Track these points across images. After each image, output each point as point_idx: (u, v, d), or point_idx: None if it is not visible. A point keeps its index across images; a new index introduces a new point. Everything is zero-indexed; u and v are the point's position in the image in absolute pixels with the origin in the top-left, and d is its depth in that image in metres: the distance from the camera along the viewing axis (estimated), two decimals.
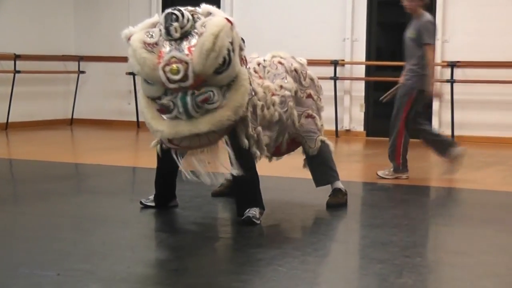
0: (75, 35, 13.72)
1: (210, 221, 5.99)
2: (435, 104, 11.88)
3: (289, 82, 6.20)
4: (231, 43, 5.17)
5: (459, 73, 11.62)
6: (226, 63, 5.12)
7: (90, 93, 13.78)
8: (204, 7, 5.34)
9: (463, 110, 11.65)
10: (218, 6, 13.10)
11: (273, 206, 6.28)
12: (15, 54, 12.38)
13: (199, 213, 6.05)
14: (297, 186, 7.55)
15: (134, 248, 5.05)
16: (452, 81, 11.55)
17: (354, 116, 12.43)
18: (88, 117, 13.76)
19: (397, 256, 4.78)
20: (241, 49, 5.38)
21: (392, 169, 8.01)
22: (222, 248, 5.24)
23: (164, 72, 5.03)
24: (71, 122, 13.71)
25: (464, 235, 5.53)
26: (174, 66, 5.01)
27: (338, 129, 12.28)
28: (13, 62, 12.38)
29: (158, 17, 5.39)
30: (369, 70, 12.47)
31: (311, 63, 12.23)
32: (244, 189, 5.68)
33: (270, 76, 6.14)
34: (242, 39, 5.44)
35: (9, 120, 12.43)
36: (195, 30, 5.13)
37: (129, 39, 5.29)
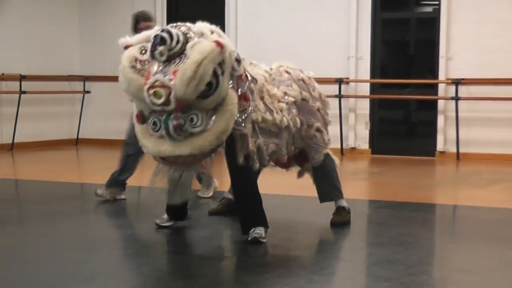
0: (80, 55, 13.75)
1: (216, 240, 5.97)
2: (440, 121, 11.89)
3: (295, 90, 6.20)
4: (221, 65, 5.11)
5: (463, 91, 11.61)
6: (213, 87, 5.09)
7: (95, 113, 13.79)
8: (199, 26, 5.28)
9: (468, 128, 11.64)
10: (222, 24, 13.23)
11: (279, 225, 6.27)
12: (20, 74, 12.41)
13: (205, 232, 6.04)
14: (303, 204, 7.53)
15: (139, 268, 5.04)
16: (456, 99, 11.54)
17: (359, 134, 12.42)
18: (93, 137, 13.77)
19: (403, 274, 4.76)
20: (233, 69, 5.32)
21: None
22: (227, 268, 5.22)
23: (148, 94, 5.04)
24: (77, 142, 13.72)
25: (470, 253, 5.51)
26: (157, 90, 5.00)
27: (343, 147, 12.27)
28: (18, 82, 12.41)
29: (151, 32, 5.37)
30: (373, 88, 12.46)
31: (316, 81, 12.32)
32: (247, 208, 5.67)
33: (276, 83, 6.13)
34: (237, 59, 5.38)
35: (15, 141, 12.45)
36: (185, 52, 5.09)
37: (126, 47, 5.32)
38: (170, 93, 4.99)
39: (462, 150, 11.64)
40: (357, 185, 9.32)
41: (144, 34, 5.40)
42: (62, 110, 13.69)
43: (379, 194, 8.65)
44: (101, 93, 13.77)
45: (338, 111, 12.11)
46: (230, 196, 6.60)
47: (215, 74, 5.06)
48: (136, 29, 7.14)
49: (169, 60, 5.10)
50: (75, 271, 4.84)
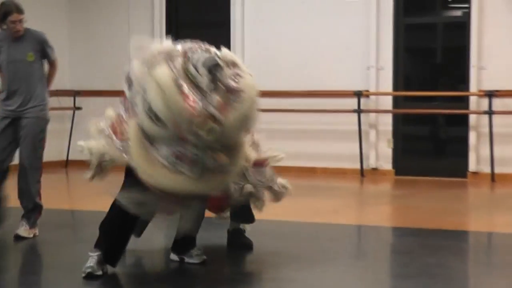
0: (69, 67, 13.77)
1: (218, 275, 5.96)
2: (472, 138, 11.86)
3: None
4: None
5: (498, 103, 11.60)
6: None
7: (87, 131, 13.79)
8: (226, 53, 5.22)
9: (504, 145, 11.62)
10: (228, 30, 13.27)
11: (294, 255, 6.26)
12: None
13: (208, 266, 6.01)
14: (318, 232, 7.52)
15: None
16: (490, 112, 11.53)
17: (381, 153, 12.40)
18: (85, 158, 13.76)
19: None
20: None
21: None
22: None
23: (198, 126, 4.90)
24: (66, 164, 13.74)
25: (509, 286, 5.47)
26: (214, 126, 4.91)
27: (364, 167, 12.25)
28: None
29: (172, 45, 5.25)
30: (396, 102, 12.46)
31: (332, 94, 12.42)
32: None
33: None
34: None
35: None
36: (221, 80, 5.04)
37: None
38: (219, 129, 4.94)
39: (497, 170, 11.61)
40: (379, 210, 9.31)
41: (160, 48, 5.21)
42: (50, 128, 13.53)
43: (404, 220, 8.63)
44: (94, 109, 13.76)
45: (357, 128, 12.11)
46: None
47: None
48: (6, 21, 7.01)
49: (213, 90, 5.03)
50: None
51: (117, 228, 5.67)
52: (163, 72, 4.96)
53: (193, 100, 4.89)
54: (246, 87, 5.05)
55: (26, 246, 6.78)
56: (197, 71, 5.02)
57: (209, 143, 4.95)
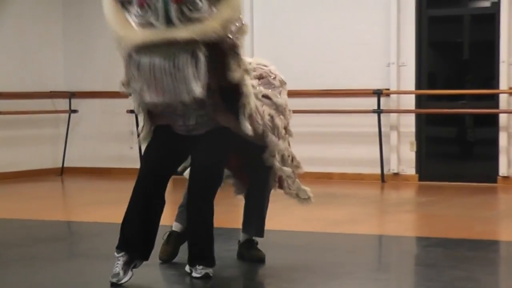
0: (64, 68, 13.83)
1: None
2: (503, 140, 11.85)
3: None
4: None
5: None
6: None
7: (84, 136, 13.86)
8: None
9: None
10: None
11: (309, 268, 6.28)
12: None
13: (217, 280, 6.03)
14: (336, 243, 7.52)
15: None
16: None
17: (404, 157, 12.42)
18: (81, 165, 13.83)
19: None
20: None
21: None
22: None
23: None
24: (62, 172, 13.77)
25: None
26: None
27: (385, 172, 12.27)
28: None
29: None
30: (420, 101, 12.47)
31: (350, 93, 12.45)
32: (201, 243, 5.84)
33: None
34: None
35: None
36: None
37: None
38: None
39: None
40: (402, 219, 9.31)
41: None
42: (44, 133, 13.76)
43: (429, 229, 8.63)
44: (90, 112, 13.84)
45: (377, 129, 12.13)
46: (178, 229, 6.52)
47: None
48: None
49: None
50: None
51: (139, 219, 5.78)
52: None
53: None
54: None
55: (18, 261, 6.80)
56: None
57: None
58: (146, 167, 5.88)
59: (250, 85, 5.79)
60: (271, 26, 12.89)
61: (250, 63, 6.20)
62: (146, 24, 5.21)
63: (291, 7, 12.85)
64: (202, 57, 5.33)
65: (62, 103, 13.80)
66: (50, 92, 13.66)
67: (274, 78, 6.50)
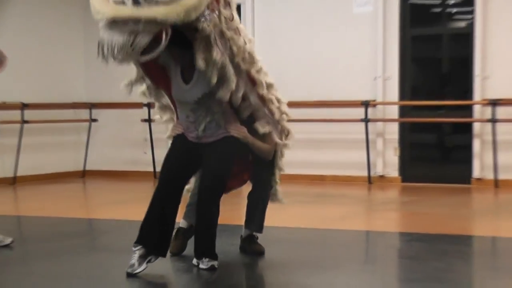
0: (86, 81, 13.83)
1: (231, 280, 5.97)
2: (476, 146, 11.85)
3: None
4: None
5: (501, 112, 11.59)
6: None
7: (103, 142, 13.85)
8: None
9: (507, 152, 11.60)
10: None
11: (304, 260, 6.27)
12: (22, 103, 12.49)
13: (222, 271, 6.02)
14: (329, 238, 7.52)
15: None
16: (494, 121, 11.52)
17: (388, 161, 12.41)
18: (101, 168, 13.82)
19: None
20: None
21: None
22: None
23: None
24: (83, 174, 13.77)
25: None
26: None
27: (371, 175, 12.26)
28: (20, 111, 12.49)
29: None
30: (403, 111, 12.46)
31: (341, 104, 12.44)
32: (207, 238, 5.87)
33: None
34: None
35: (17, 174, 12.52)
36: None
37: None
38: None
39: (501, 176, 11.60)
40: (387, 217, 9.30)
41: None
42: (67, 140, 13.76)
43: (411, 226, 8.62)
44: (109, 121, 13.84)
45: (364, 136, 12.12)
46: (185, 225, 6.54)
47: None
48: None
49: None
50: None
51: (157, 219, 5.79)
52: None
53: None
54: None
55: (44, 254, 6.80)
56: None
57: None
58: (165, 177, 5.91)
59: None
60: (271, 43, 12.87)
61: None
62: (120, 2, 5.14)
63: (290, 26, 12.83)
64: (163, 39, 5.24)
65: (84, 113, 13.80)
66: (73, 103, 13.66)
67: None
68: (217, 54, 5.49)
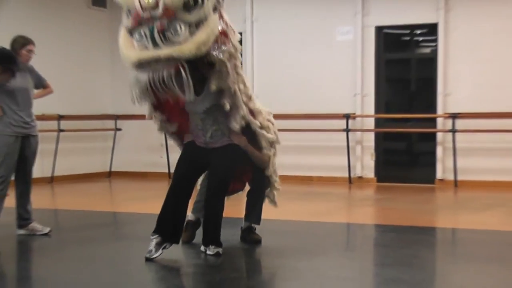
0: (112, 96, 13.81)
1: (240, 266, 5.96)
2: (439, 152, 11.86)
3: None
4: None
5: (460, 124, 11.59)
6: (199, 4, 5.15)
7: (126, 148, 13.84)
8: None
9: (465, 157, 11.61)
10: (241, 63, 13.22)
11: (295, 247, 6.27)
12: (58, 115, 12.49)
13: (225, 257, 6.01)
14: (316, 229, 7.51)
15: None
16: (454, 131, 11.52)
17: (366, 164, 12.40)
18: (124, 169, 13.81)
19: None
20: (218, 2, 5.36)
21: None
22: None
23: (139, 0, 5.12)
24: (109, 175, 13.76)
25: (469, 273, 5.47)
26: None
27: (351, 176, 12.25)
28: (57, 122, 12.49)
29: None
30: (378, 122, 12.46)
31: (326, 116, 12.43)
32: (214, 227, 5.89)
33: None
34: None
35: (54, 174, 12.51)
36: None
37: None
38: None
39: (459, 177, 11.60)
40: (364, 211, 9.30)
41: None
42: (96, 145, 13.75)
43: (384, 219, 8.62)
44: (131, 130, 13.82)
45: (346, 144, 12.11)
46: (193, 218, 6.55)
47: None
48: (21, 52, 6.80)
49: None
50: None
51: (171, 212, 5.82)
52: None
53: None
54: None
55: (75, 241, 6.79)
56: None
57: (153, 13, 5.08)
58: (177, 177, 5.92)
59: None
60: (268, 65, 12.88)
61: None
62: (143, 47, 5.18)
63: (284, 51, 12.81)
64: (183, 72, 5.32)
65: (110, 123, 13.78)
66: (101, 114, 13.65)
67: None
68: (232, 82, 5.57)
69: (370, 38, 12.29)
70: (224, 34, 5.44)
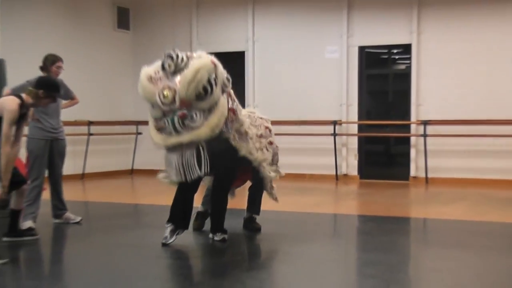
0: (134, 105, 13.77)
1: (240, 247, 5.96)
2: (413, 153, 11.87)
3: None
4: (215, 79, 5.24)
5: (430, 129, 11.59)
6: (209, 92, 5.19)
7: (146, 149, 13.79)
8: (199, 52, 5.45)
9: (434, 158, 11.61)
10: (243, 77, 13.24)
11: (289, 234, 6.28)
12: (89, 121, 12.50)
13: (230, 242, 6.01)
14: (307, 219, 7.52)
15: (181, 270, 5.05)
16: (425, 136, 11.53)
17: (350, 164, 12.39)
18: (144, 168, 13.79)
19: (385, 273, 4.75)
20: (225, 85, 5.41)
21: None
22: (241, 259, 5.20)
23: (159, 95, 5.20)
24: (131, 172, 13.76)
25: (437, 256, 5.48)
26: (165, 92, 5.18)
27: (338, 174, 12.25)
28: (87, 127, 12.50)
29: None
30: (361, 128, 12.46)
31: (316, 123, 12.43)
32: (220, 217, 5.96)
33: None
34: (228, 78, 5.46)
35: (85, 172, 12.52)
36: (187, 68, 5.25)
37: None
38: (175, 93, 5.17)
39: (430, 175, 11.60)
40: (349, 204, 9.31)
41: (156, 63, 5.45)
42: (120, 147, 13.75)
43: (366, 210, 8.63)
44: None
45: (333, 146, 12.12)
46: (202, 210, 6.58)
47: (209, 83, 5.20)
48: (51, 68, 6.78)
49: (175, 73, 5.25)
50: (130, 273, 4.85)
51: (181, 204, 5.88)
52: (142, 73, 5.44)
53: (159, 82, 5.27)
54: (193, 63, 5.24)
55: (101, 229, 6.81)
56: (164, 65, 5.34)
57: (172, 107, 5.19)
58: None
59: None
60: (267, 79, 12.88)
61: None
62: (168, 133, 5.31)
63: (281, 67, 12.76)
64: (201, 151, 5.40)
65: (132, 128, 13.78)
66: (124, 120, 13.66)
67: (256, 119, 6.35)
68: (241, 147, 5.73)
69: (354, 56, 12.30)
70: (232, 111, 5.54)
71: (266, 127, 6.33)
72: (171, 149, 5.36)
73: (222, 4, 13.26)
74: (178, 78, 5.21)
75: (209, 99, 5.21)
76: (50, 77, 6.00)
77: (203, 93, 5.16)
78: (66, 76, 7.25)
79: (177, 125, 5.20)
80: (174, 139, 5.27)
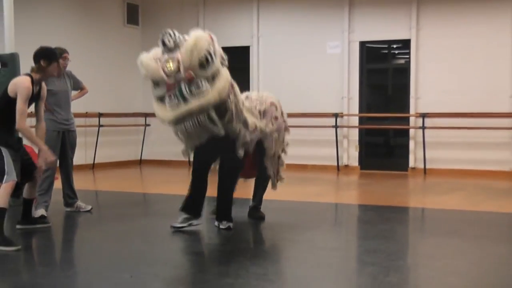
0: (142, 97, 13.78)
1: (247, 238, 5.98)
2: (411, 145, 11.86)
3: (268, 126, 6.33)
4: (214, 51, 5.26)
5: (428, 122, 11.59)
6: (210, 61, 5.21)
7: (154, 140, 13.86)
8: (195, 30, 5.46)
9: (432, 149, 11.61)
10: (248, 73, 13.22)
11: (292, 223, 6.28)
12: (99, 113, 12.52)
13: (235, 230, 6.03)
14: (309, 208, 7.53)
15: (189, 255, 5.06)
16: (423, 128, 11.52)
17: (351, 155, 12.40)
18: (152, 158, 13.83)
19: (384, 260, 4.75)
20: (223, 59, 5.43)
21: None
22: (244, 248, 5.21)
23: (163, 67, 5.21)
24: (140, 162, 13.79)
25: (435, 244, 5.49)
26: (169, 64, 5.20)
27: (339, 164, 12.26)
28: (97, 118, 12.52)
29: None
30: (361, 120, 12.45)
31: (318, 115, 12.42)
32: (226, 205, 5.95)
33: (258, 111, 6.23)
34: (224, 55, 5.47)
35: (95, 162, 12.55)
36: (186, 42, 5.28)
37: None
38: (179, 63, 5.18)
39: (428, 166, 11.59)
40: (350, 194, 9.31)
41: (155, 49, 5.46)
42: (130, 138, 13.78)
43: (366, 200, 8.63)
44: (158, 125, 13.75)
45: (335, 138, 12.12)
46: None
47: (209, 53, 5.22)
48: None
49: (175, 49, 5.25)
50: (139, 258, 4.87)
51: (194, 193, 5.92)
52: (142, 55, 5.42)
53: (161, 60, 5.27)
54: (191, 34, 5.31)
55: (112, 217, 6.82)
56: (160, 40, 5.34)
57: (177, 77, 5.18)
58: (197, 162, 5.99)
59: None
60: (272, 73, 12.87)
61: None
62: (175, 106, 5.24)
63: (285, 61, 12.77)
64: (213, 114, 5.34)
65: (140, 120, 13.80)
66: (133, 113, 13.67)
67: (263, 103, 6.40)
68: (235, 122, 5.61)
69: (355, 51, 12.28)
70: (231, 85, 5.53)
71: (272, 103, 6.36)
72: (180, 120, 5.28)
73: (228, 1, 13.24)
74: (177, 52, 5.24)
75: (211, 68, 5.24)
76: (42, 47, 5.99)
77: (205, 62, 5.19)
78: (78, 69, 7.26)
79: (185, 93, 5.18)
80: (183, 108, 5.21)
